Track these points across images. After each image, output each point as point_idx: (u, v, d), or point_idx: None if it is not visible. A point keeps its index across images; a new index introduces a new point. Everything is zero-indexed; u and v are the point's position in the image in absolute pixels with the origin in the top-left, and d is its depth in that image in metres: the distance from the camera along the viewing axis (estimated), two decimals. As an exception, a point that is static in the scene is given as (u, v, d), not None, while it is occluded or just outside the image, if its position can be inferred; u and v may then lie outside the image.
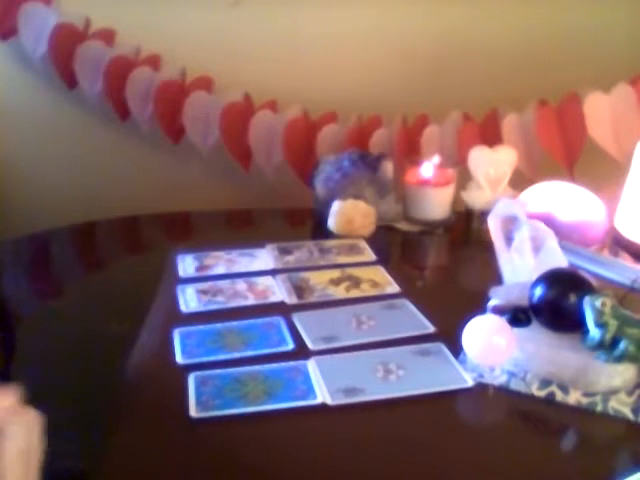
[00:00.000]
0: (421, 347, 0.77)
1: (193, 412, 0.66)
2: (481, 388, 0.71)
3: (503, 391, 0.71)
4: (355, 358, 0.75)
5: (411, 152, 1.21)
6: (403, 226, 1.13)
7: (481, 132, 1.22)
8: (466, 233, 1.15)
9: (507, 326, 0.71)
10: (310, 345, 0.77)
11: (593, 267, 0.91)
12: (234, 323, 0.82)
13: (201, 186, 1.36)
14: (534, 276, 0.74)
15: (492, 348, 0.71)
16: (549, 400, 0.69)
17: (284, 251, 1.02)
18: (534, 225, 0.81)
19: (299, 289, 0.90)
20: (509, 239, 0.83)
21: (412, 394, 0.69)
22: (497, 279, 0.83)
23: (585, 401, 0.68)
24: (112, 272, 1.05)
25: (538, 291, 0.72)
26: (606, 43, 1.28)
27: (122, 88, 1.21)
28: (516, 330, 0.72)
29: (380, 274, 0.94)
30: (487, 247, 0.85)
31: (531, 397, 0.70)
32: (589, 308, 0.67)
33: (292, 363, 0.74)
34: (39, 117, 1.31)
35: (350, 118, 1.25)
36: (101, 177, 1.35)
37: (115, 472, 0.61)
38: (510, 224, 0.84)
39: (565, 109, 1.19)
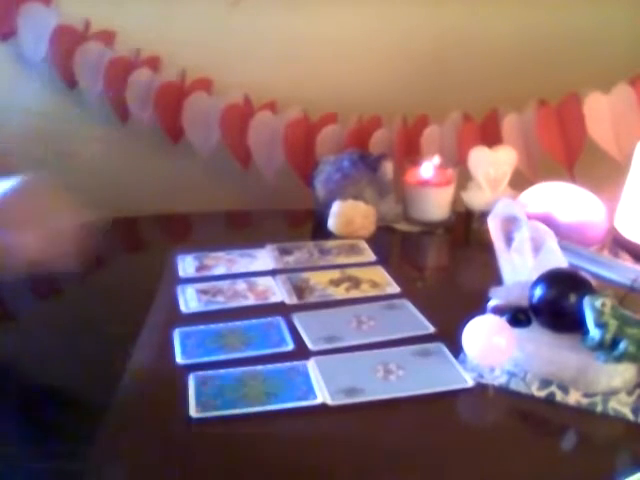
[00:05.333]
0: (421, 347, 0.77)
1: (193, 412, 0.66)
2: (481, 388, 0.71)
3: (503, 391, 0.71)
4: (355, 358, 0.75)
5: (411, 152, 1.20)
6: (403, 227, 1.13)
7: (481, 132, 1.22)
8: (466, 233, 1.15)
9: (507, 326, 0.71)
10: (310, 345, 0.77)
11: (593, 267, 0.91)
12: (234, 323, 0.82)
13: (201, 186, 1.36)
14: (534, 276, 0.74)
15: (492, 348, 0.71)
16: (549, 400, 0.69)
17: (284, 251, 1.02)
18: (534, 225, 0.81)
19: (299, 289, 0.90)
20: (509, 239, 0.84)
21: (412, 394, 0.69)
22: (497, 279, 0.83)
23: (585, 401, 0.68)
24: (112, 272, 1.04)
25: (538, 291, 0.72)
26: (606, 43, 1.28)
27: (122, 89, 1.21)
28: (516, 330, 0.72)
29: (380, 274, 0.94)
30: (487, 247, 0.85)
31: (531, 397, 0.70)
32: (589, 308, 0.67)
33: (292, 363, 0.74)
34: (39, 117, 1.31)
35: (350, 118, 1.25)
36: (101, 177, 1.35)
37: (115, 472, 0.62)
38: (510, 224, 0.84)
39: (565, 109, 1.19)
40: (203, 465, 0.61)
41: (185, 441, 0.64)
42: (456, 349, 0.74)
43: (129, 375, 0.73)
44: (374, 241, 1.05)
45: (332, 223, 1.08)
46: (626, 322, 0.66)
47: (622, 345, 0.66)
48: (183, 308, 0.86)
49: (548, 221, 0.90)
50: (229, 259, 0.99)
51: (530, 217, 0.83)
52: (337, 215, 1.07)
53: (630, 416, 0.66)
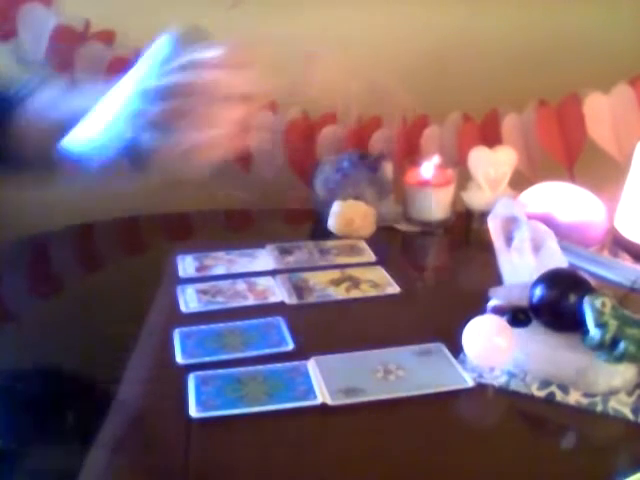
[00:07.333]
0: (421, 347, 0.77)
1: (193, 412, 0.66)
2: (481, 388, 0.71)
3: (503, 391, 0.71)
4: (355, 358, 0.75)
5: (411, 152, 1.20)
6: (403, 227, 1.13)
7: (481, 132, 1.22)
8: (466, 233, 1.15)
9: (507, 326, 0.71)
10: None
11: (593, 267, 0.91)
12: (234, 323, 0.82)
13: (201, 186, 1.36)
14: (534, 276, 0.74)
15: (492, 349, 0.71)
16: (549, 400, 0.69)
17: (284, 251, 1.02)
18: (534, 225, 0.81)
19: (299, 289, 0.90)
20: (509, 239, 0.84)
21: (412, 394, 0.69)
22: (497, 279, 0.83)
23: (585, 401, 0.68)
24: (112, 272, 1.05)
25: (538, 291, 0.72)
26: (606, 43, 1.28)
27: (122, 89, 1.21)
28: (516, 330, 0.72)
29: (380, 274, 0.94)
30: (487, 247, 0.86)
31: (531, 397, 0.70)
32: (589, 308, 0.67)
33: (292, 363, 0.74)
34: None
35: (350, 118, 1.25)
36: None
37: (115, 472, 0.62)
38: (510, 224, 0.84)
39: (565, 109, 1.19)
40: (203, 465, 0.61)
41: (185, 441, 0.64)
42: (456, 349, 0.74)
43: (129, 375, 0.73)
44: (374, 241, 1.05)
45: (332, 223, 1.08)
46: (626, 322, 0.66)
47: (622, 345, 0.66)
48: (183, 308, 0.86)
49: (548, 221, 0.90)
50: (229, 259, 0.99)
51: (530, 217, 0.83)
52: (337, 215, 1.07)
53: (630, 416, 0.66)
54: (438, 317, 0.82)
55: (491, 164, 1.12)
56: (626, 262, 0.98)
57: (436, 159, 1.12)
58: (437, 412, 0.69)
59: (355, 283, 0.92)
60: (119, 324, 0.82)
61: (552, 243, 0.79)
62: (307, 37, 1.27)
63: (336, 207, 1.07)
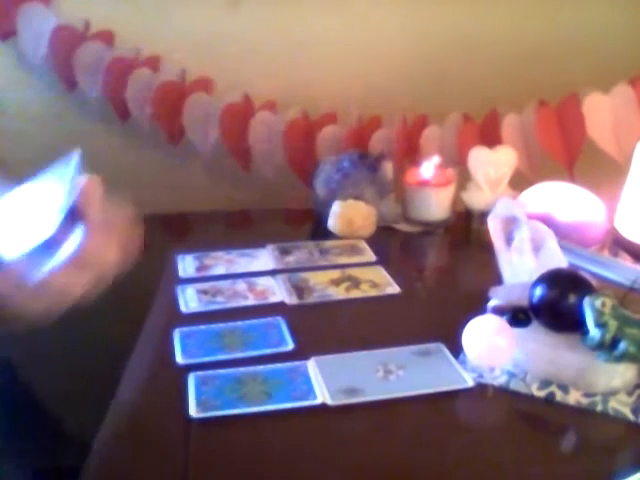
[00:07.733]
0: (421, 347, 0.77)
1: (193, 412, 0.66)
2: (481, 388, 0.71)
3: (503, 391, 0.71)
4: (355, 358, 0.75)
5: (411, 152, 1.20)
6: (403, 227, 1.13)
7: (481, 132, 1.22)
8: (466, 234, 1.15)
9: (507, 326, 0.71)
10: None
11: (593, 267, 0.91)
12: (234, 323, 0.82)
13: (201, 186, 1.36)
14: (534, 276, 0.74)
15: (493, 349, 0.71)
16: (549, 400, 0.69)
17: (284, 251, 1.02)
18: (534, 225, 0.81)
19: (299, 289, 0.90)
20: (509, 239, 0.83)
21: (412, 394, 0.69)
22: (497, 279, 0.83)
23: (585, 401, 0.68)
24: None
25: (538, 291, 0.72)
26: (606, 43, 1.28)
27: (122, 89, 1.21)
28: (516, 330, 0.72)
29: (380, 274, 0.94)
30: (487, 247, 0.85)
31: (531, 397, 0.70)
32: (589, 308, 0.67)
33: (292, 363, 0.74)
34: (39, 117, 1.31)
35: (350, 118, 1.25)
36: (100, 177, 1.34)
37: (114, 472, 0.61)
38: (510, 224, 0.84)
39: (565, 109, 1.19)
40: (203, 465, 0.61)
41: (185, 441, 0.64)
42: (456, 349, 0.74)
43: (129, 375, 0.73)
44: (374, 241, 1.05)
45: (332, 223, 1.08)
46: (626, 322, 0.66)
47: (622, 345, 0.66)
48: (183, 308, 0.86)
49: (548, 221, 0.90)
50: (229, 259, 0.99)
51: (530, 217, 0.83)
52: (337, 215, 1.07)
53: (630, 416, 0.66)
54: (438, 317, 0.82)
55: (491, 164, 1.12)
56: (626, 262, 0.98)
57: (436, 159, 1.12)
58: (437, 412, 0.69)
59: (355, 283, 0.92)
60: (119, 324, 0.82)
61: (552, 243, 0.79)
62: (307, 40, 1.28)
63: (336, 207, 1.07)
